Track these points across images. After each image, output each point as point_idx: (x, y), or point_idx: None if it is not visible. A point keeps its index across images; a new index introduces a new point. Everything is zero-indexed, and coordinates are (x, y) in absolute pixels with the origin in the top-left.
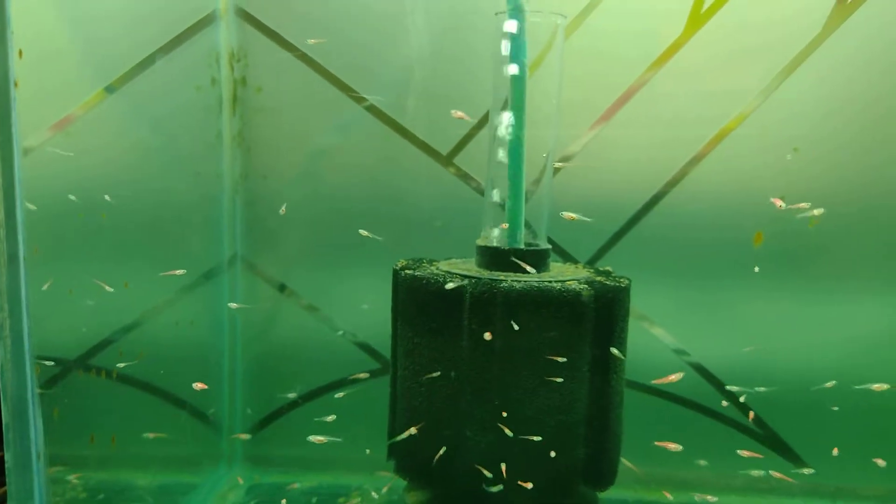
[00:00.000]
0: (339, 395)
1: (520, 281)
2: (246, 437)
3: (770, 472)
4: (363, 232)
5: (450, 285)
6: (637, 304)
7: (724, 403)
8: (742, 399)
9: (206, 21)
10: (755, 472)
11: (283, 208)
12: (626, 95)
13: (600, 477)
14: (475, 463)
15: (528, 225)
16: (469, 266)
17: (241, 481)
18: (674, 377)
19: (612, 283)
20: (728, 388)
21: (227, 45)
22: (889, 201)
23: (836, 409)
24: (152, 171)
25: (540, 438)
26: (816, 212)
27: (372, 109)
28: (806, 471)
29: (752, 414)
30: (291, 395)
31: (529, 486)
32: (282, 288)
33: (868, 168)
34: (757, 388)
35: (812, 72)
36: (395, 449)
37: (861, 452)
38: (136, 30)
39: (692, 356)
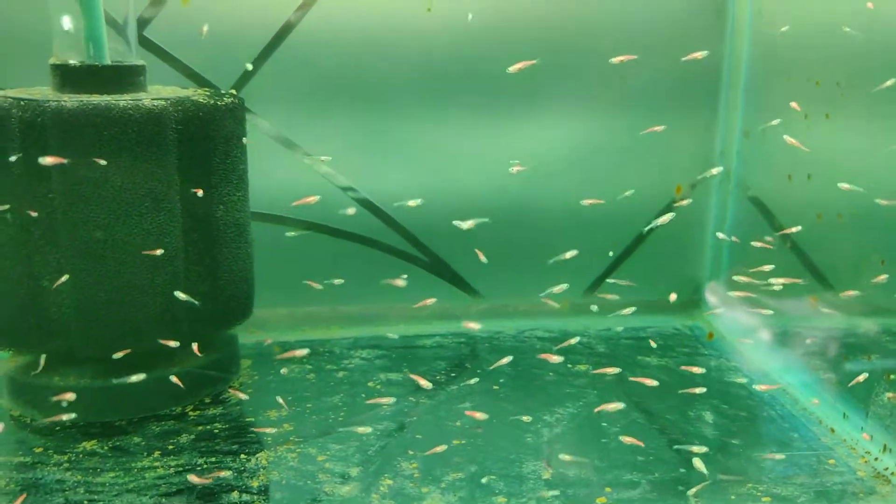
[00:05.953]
0: None
1: (79, 101)
2: None
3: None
4: None
5: None
6: (298, 138)
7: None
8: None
9: None
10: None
11: None
12: None
13: (220, 316)
14: (55, 315)
15: (120, 38)
16: (44, 90)
17: None
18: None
19: (208, 102)
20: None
21: None
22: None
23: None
24: None
25: (131, 283)
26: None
27: None
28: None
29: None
30: None
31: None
32: None
33: None
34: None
35: None
36: None
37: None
38: None
39: (360, 192)
